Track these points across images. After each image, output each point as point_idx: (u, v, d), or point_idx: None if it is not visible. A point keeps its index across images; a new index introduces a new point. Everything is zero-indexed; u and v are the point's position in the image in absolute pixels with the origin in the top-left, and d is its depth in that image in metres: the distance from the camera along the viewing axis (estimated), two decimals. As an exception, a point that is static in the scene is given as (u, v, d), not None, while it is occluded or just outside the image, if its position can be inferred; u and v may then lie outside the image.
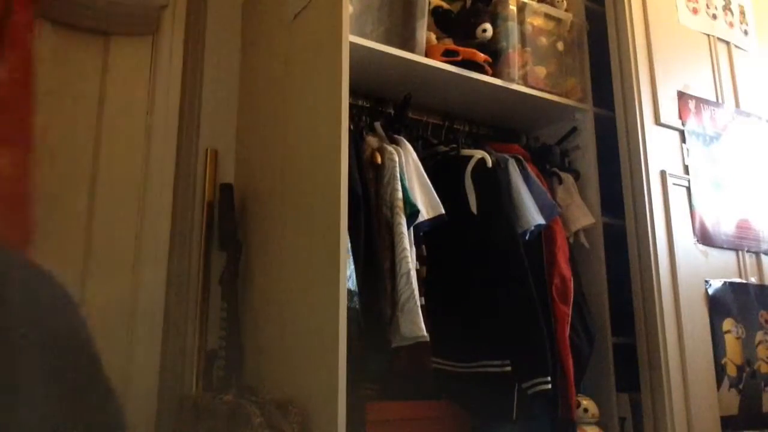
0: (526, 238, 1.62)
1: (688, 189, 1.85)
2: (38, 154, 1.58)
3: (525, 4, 1.85)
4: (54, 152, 1.69)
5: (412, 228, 1.48)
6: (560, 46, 1.90)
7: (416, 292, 1.40)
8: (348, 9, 1.49)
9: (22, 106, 1.56)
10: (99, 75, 1.87)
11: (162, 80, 1.92)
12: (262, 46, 1.92)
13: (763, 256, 1.96)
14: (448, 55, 1.68)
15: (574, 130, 1.93)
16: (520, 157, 1.77)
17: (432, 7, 1.77)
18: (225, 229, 1.76)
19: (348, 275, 1.33)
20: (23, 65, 1.56)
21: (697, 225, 1.83)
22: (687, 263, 1.77)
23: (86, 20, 1.81)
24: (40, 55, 1.63)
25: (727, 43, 2.11)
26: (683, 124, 1.90)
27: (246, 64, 2.01)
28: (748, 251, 1.92)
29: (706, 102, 1.98)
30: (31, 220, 1.54)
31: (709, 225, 1.86)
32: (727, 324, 1.80)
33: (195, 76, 1.97)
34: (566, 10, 1.96)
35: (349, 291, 1.32)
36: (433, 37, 1.73)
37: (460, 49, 1.70)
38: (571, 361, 1.60)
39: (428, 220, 1.51)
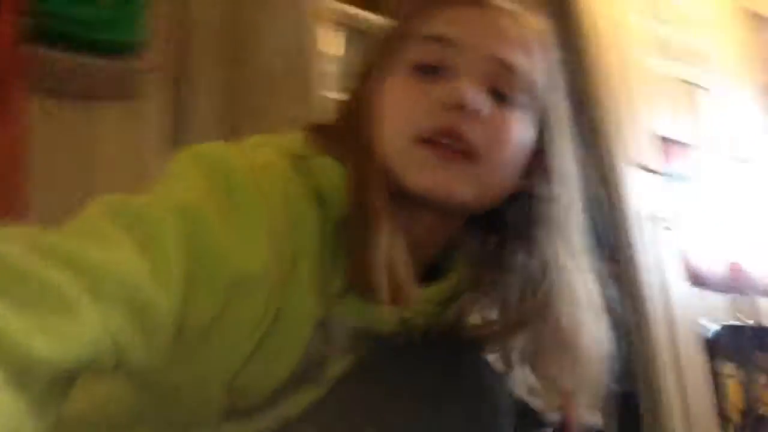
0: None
1: (676, 233, 1.84)
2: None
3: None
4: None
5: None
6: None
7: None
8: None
9: (15, 177, 1.54)
10: (85, 142, 1.87)
11: (149, 144, 1.92)
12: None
13: (757, 298, 1.93)
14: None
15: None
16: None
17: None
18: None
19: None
20: (18, 139, 1.55)
21: (688, 269, 1.82)
22: (681, 307, 1.74)
23: (70, 85, 1.83)
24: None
25: (699, 86, 2.13)
26: (665, 168, 1.91)
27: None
28: (741, 294, 1.90)
29: (686, 145, 2.00)
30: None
31: (701, 268, 1.84)
32: (727, 368, 1.76)
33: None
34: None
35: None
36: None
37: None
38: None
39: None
